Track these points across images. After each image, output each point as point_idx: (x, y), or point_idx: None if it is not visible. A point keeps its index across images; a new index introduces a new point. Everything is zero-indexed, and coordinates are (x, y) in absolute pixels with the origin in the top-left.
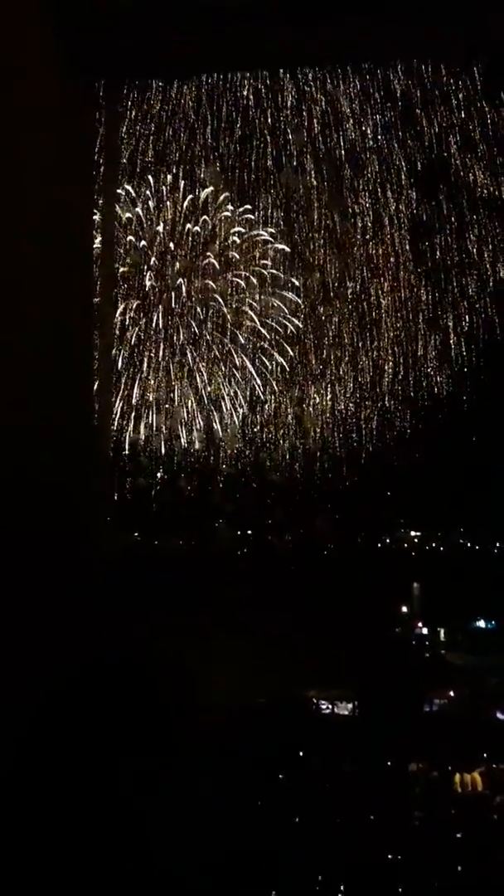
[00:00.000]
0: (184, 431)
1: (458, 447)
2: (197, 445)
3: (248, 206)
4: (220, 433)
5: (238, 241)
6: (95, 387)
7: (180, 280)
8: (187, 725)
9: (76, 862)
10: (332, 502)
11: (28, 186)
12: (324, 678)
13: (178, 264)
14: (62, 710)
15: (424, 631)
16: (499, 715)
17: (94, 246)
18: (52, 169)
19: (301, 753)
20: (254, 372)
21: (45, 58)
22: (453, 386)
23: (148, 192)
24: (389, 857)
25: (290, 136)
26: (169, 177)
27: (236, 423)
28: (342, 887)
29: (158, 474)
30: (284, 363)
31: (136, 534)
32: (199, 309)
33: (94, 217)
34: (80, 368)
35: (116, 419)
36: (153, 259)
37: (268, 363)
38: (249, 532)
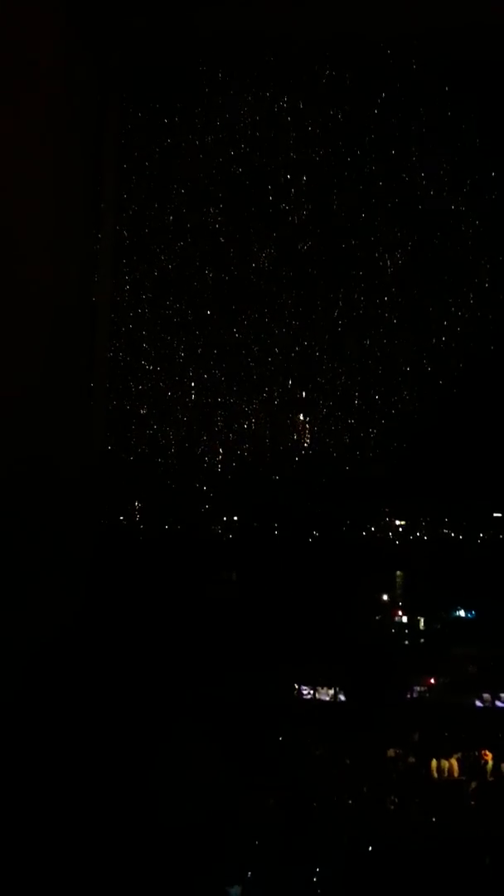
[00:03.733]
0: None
1: (443, 436)
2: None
3: None
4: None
5: None
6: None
7: None
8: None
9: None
10: (318, 490)
11: (32, 173)
12: (304, 664)
13: None
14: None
15: (404, 619)
16: (477, 703)
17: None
18: (58, 156)
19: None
20: None
21: (53, 39)
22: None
23: None
24: (365, 841)
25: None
26: None
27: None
28: (317, 869)
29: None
30: None
31: (121, 517)
32: None
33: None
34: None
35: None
36: None
37: None
38: (235, 518)
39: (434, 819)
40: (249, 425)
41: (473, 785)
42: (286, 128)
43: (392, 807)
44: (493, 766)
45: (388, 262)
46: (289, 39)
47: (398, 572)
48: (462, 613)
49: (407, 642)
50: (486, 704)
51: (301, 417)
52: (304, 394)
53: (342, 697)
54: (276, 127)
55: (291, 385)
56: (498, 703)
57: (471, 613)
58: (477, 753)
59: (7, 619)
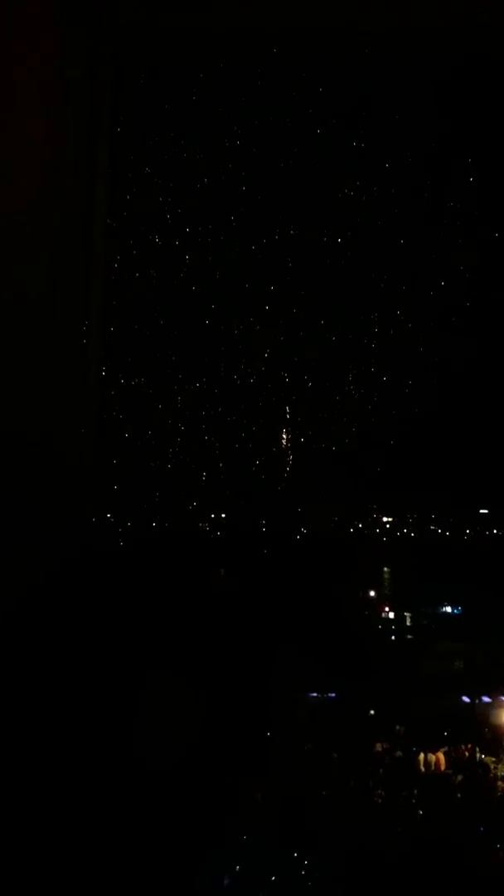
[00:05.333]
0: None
1: (430, 434)
2: None
3: None
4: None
5: None
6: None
7: None
8: None
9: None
10: (306, 487)
11: (26, 163)
12: (293, 660)
13: None
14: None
15: (391, 615)
16: (464, 698)
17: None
18: (51, 148)
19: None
20: None
21: (49, 32)
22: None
23: None
24: (353, 833)
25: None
26: None
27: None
28: (305, 861)
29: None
30: None
31: (108, 515)
32: None
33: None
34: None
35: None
36: None
37: None
38: (224, 515)
39: (420, 812)
40: (238, 423)
41: (459, 778)
42: (285, 125)
43: (379, 800)
44: (479, 759)
45: (383, 273)
46: (286, 38)
47: (385, 568)
48: (449, 609)
49: (394, 637)
50: (473, 699)
51: (288, 415)
52: (291, 389)
53: (331, 693)
54: (275, 124)
55: (280, 381)
56: (484, 698)
57: (457, 609)
58: (463, 747)
59: None
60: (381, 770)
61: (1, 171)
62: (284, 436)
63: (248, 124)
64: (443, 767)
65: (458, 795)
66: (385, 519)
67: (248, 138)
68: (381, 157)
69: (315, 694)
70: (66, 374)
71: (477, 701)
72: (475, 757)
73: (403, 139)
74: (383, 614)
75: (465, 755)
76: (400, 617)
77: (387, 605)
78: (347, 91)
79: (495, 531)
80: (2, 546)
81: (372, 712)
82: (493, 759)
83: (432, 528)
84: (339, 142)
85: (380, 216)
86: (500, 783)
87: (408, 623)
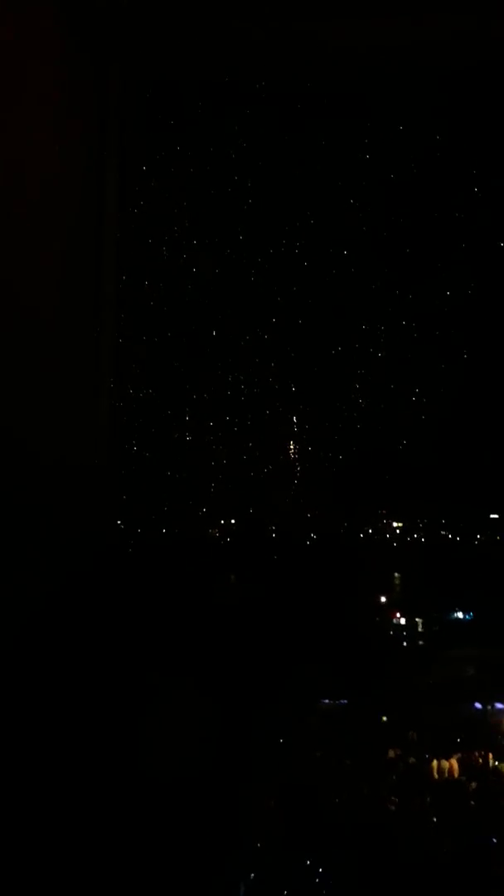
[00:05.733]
0: None
1: (440, 438)
2: None
3: None
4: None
5: None
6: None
7: None
8: None
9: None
10: (316, 493)
11: (32, 186)
12: (303, 666)
13: None
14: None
15: (402, 621)
16: (476, 704)
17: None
18: (58, 170)
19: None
20: None
21: (54, 50)
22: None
23: None
24: (366, 841)
25: None
26: None
27: None
28: (319, 870)
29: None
30: None
31: (118, 521)
32: None
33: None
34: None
35: None
36: None
37: None
38: (233, 521)
39: (434, 819)
40: (247, 429)
41: (473, 785)
42: (292, 139)
43: (392, 807)
44: (493, 766)
45: (392, 280)
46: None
47: (396, 574)
48: (460, 615)
49: (405, 644)
50: (485, 706)
51: (297, 421)
52: (300, 395)
53: (342, 700)
54: (282, 137)
55: (288, 387)
56: (497, 705)
57: (469, 615)
58: (476, 754)
59: None
60: (394, 777)
61: (12, 184)
62: (293, 442)
63: (254, 136)
64: (456, 774)
65: (472, 803)
66: (395, 524)
67: (255, 150)
68: (387, 167)
69: (326, 700)
70: (78, 384)
71: (490, 707)
72: (489, 764)
73: (408, 149)
74: (394, 620)
75: (478, 762)
76: (411, 623)
77: (398, 611)
78: (353, 102)
79: None
80: (19, 557)
81: (384, 719)
82: None
83: (443, 533)
84: (347, 153)
85: (385, 227)
86: None
87: (419, 629)
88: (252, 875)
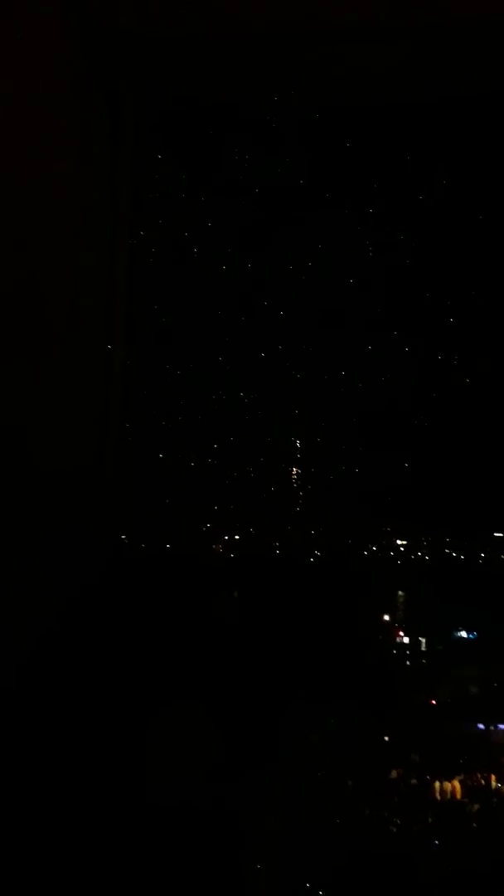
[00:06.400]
0: None
1: (444, 455)
2: None
3: None
4: None
5: None
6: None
7: None
8: None
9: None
10: (320, 510)
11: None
12: (305, 684)
13: None
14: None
15: (406, 640)
16: (479, 725)
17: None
18: (72, 193)
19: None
20: None
21: (65, 75)
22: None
23: None
24: (368, 862)
25: None
26: None
27: None
28: (319, 892)
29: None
30: None
31: (122, 536)
32: None
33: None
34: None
35: None
36: None
37: None
38: (237, 537)
39: (437, 841)
40: (252, 446)
41: (476, 807)
42: (304, 162)
43: (394, 829)
44: (496, 788)
45: (399, 296)
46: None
47: (399, 592)
48: (464, 634)
49: (408, 663)
50: (488, 726)
51: (301, 436)
52: (306, 413)
53: (345, 719)
54: (294, 161)
55: (294, 405)
56: (500, 726)
57: (473, 634)
58: (479, 775)
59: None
60: (396, 798)
61: (29, 208)
62: (298, 459)
63: (267, 160)
64: (459, 796)
65: (474, 825)
66: (399, 542)
67: (268, 172)
68: (392, 191)
69: (328, 719)
70: (88, 398)
71: (493, 728)
72: (491, 785)
73: (419, 178)
74: (397, 639)
75: (481, 783)
76: (414, 642)
77: (401, 630)
78: (365, 131)
79: None
80: (31, 572)
81: (386, 738)
82: None
83: (447, 551)
84: (359, 178)
85: (391, 243)
86: None
87: (422, 648)
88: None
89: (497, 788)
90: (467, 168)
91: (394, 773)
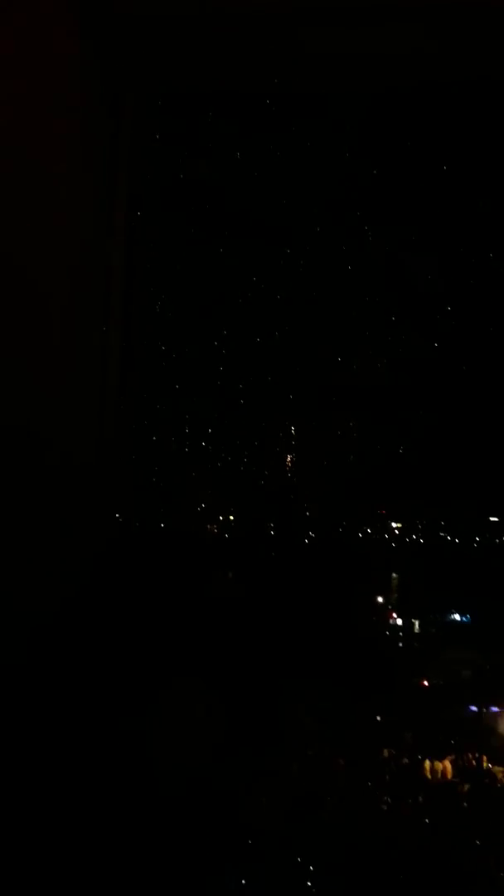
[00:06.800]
0: None
1: (440, 438)
2: None
3: None
4: None
5: None
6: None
7: None
8: None
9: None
10: (315, 491)
11: (46, 203)
12: (299, 665)
13: None
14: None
15: (399, 622)
16: (471, 707)
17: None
18: (70, 184)
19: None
20: None
21: (70, 68)
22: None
23: None
24: (360, 841)
25: None
26: None
27: None
28: (311, 869)
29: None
30: None
31: (117, 515)
32: None
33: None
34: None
35: None
36: None
37: None
38: (231, 518)
39: (427, 820)
40: (247, 427)
41: (466, 787)
42: (304, 152)
43: (385, 807)
44: (487, 769)
45: (393, 288)
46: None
47: (393, 575)
48: (457, 617)
49: (401, 645)
50: (480, 708)
51: (295, 417)
52: (300, 394)
53: (338, 699)
54: (294, 152)
55: (289, 386)
56: (492, 708)
57: (466, 617)
58: (470, 756)
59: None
60: (387, 777)
61: (25, 197)
62: (292, 440)
63: (266, 152)
64: (449, 776)
65: (465, 804)
66: (394, 524)
67: (267, 165)
68: (393, 180)
69: (321, 699)
70: (85, 380)
71: (485, 710)
72: (483, 766)
73: (416, 163)
74: (391, 621)
75: (472, 764)
76: (408, 624)
77: (394, 612)
78: (363, 118)
79: None
80: (29, 553)
81: (379, 719)
82: (501, 768)
83: (441, 534)
84: (358, 166)
85: (393, 237)
86: None
87: (416, 630)
88: (242, 875)
89: (488, 769)
90: (465, 157)
91: (385, 753)
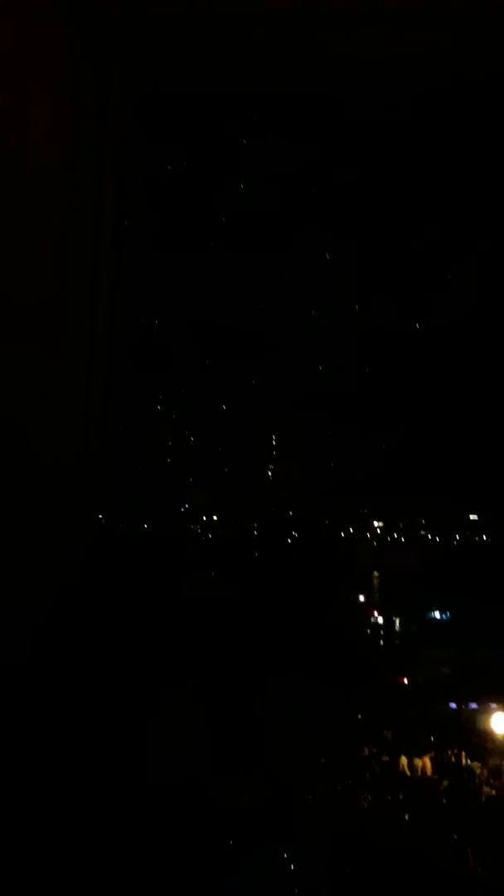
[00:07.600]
0: None
1: (420, 439)
2: None
3: None
4: None
5: None
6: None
7: None
8: None
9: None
10: (298, 491)
11: (34, 190)
12: (281, 663)
13: None
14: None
15: (380, 620)
16: (451, 704)
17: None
18: (61, 178)
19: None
20: None
21: (57, 56)
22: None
23: None
24: (340, 838)
25: None
26: None
27: None
28: (292, 867)
29: None
30: None
31: (100, 516)
32: None
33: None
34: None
35: None
36: None
37: None
38: (215, 518)
39: (407, 817)
40: (231, 427)
41: (445, 784)
42: (297, 149)
43: (366, 805)
44: (465, 765)
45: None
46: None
47: (375, 573)
48: (438, 615)
49: (382, 643)
50: (460, 705)
51: (279, 420)
52: (284, 396)
53: (319, 697)
54: (287, 148)
55: (273, 388)
56: (471, 704)
57: (446, 615)
58: (450, 752)
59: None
60: (367, 774)
61: (13, 185)
62: (276, 442)
63: (258, 148)
64: (429, 772)
65: (444, 801)
66: (376, 523)
67: (258, 161)
68: (390, 174)
69: (302, 697)
70: (72, 383)
71: (464, 707)
72: (461, 762)
73: (412, 159)
74: (372, 619)
75: (451, 760)
76: (389, 622)
77: (375, 610)
78: (357, 115)
79: (485, 537)
80: (17, 552)
81: (359, 717)
82: (479, 764)
83: (423, 532)
84: (352, 163)
85: (391, 233)
86: (485, 788)
87: (396, 628)
88: (225, 872)
89: (467, 765)
90: (465, 157)
91: (366, 751)
